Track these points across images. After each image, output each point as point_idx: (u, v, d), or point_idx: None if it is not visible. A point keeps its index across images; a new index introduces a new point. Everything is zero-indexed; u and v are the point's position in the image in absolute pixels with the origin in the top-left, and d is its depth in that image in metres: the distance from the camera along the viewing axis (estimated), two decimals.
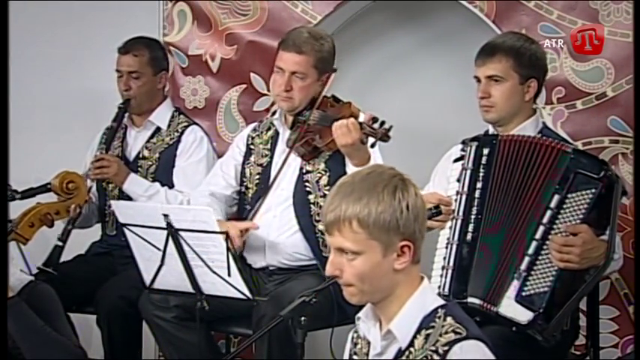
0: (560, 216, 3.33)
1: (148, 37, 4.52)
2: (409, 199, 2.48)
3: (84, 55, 4.93)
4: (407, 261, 2.50)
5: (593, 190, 3.30)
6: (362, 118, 3.77)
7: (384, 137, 3.63)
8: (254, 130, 4.19)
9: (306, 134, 3.93)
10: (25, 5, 4.87)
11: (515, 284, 3.31)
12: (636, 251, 3.84)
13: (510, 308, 3.30)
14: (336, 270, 2.51)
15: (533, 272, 3.31)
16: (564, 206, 3.32)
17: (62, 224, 4.19)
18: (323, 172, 3.96)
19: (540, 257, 3.32)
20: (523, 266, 3.31)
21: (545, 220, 3.33)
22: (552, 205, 3.33)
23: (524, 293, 3.30)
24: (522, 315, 3.29)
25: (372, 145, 3.67)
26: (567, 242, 3.29)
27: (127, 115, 4.47)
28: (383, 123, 3.64)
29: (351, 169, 3.78)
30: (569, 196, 3.33)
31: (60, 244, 4.14)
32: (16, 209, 4.09)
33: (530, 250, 3.33)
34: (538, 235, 3.33)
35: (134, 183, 4.33)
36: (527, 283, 3.30)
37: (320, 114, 3.93)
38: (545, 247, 3.32)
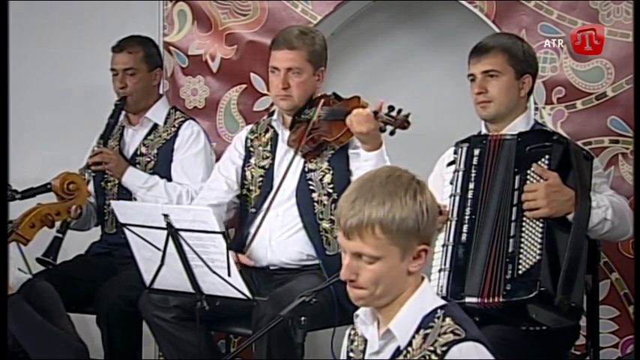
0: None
1: (141, 35, 4.52)
2: (427, 202, 2.49)
3: (84, 55, 4.93)
4: (422, 264, 2.50)
5: (548, 157, 3.39)
6: (373, 107, 3.75)
7: (404, 124, 3.62)
8: (251, 132, 4.18)
9: (311, 131, 3.92)
10: (25, 5, 4.88)
11: (510, 267, 3.30)
12: (636, 251, 3.84)
13: (514, 293, 3.27)
14: (352, 274, 2.49)
15: (522, 249, 3.31)
16: (527, 181, 3.39)
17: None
18: (327, 171, 3.95)
19: (523, 234, 3.33)
20: (511, 248, 3.33)
21: (515, 201, 3.39)
22: (516, 185, 3.40)
23: (520, 272, 3.29)
24: (527, 291, 3.25)
25: (392, 133, 3.66)
26: (531, 187, 3.36)
27: (123, 114, 4.48)
28: (400, 111, 3.63)
29: (362, 155, 3.78)
30: (528, 171, 3.40)
31: (59, 235, 4.14)
32: (16, 209, 4.09)
33: (512, 232, 3.35)
34: (514, 217, 3.37)
35: (133, 175, 4.35)
36: (521, 260, 3.30)
37: (328, 109, 3.93)
38: (523, 224, 3.35)
